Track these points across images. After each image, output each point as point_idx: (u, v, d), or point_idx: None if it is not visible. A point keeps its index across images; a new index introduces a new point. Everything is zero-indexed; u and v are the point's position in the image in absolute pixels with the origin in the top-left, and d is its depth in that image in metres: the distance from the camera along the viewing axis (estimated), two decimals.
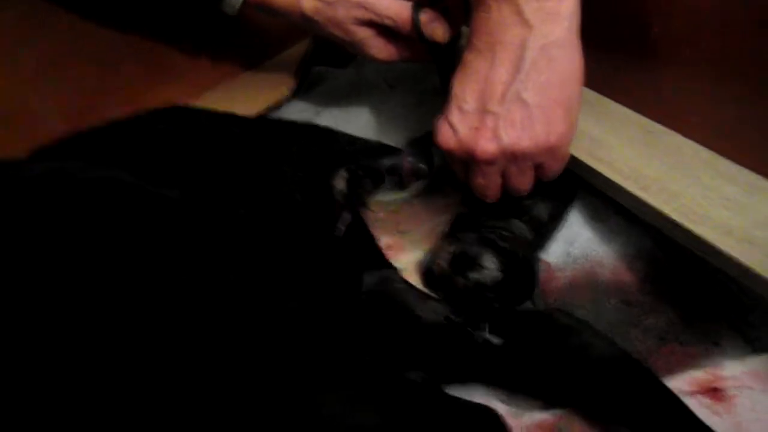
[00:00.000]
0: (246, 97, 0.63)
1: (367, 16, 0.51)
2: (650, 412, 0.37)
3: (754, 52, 0.38)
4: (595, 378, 0.39)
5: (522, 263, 0.46)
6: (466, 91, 0.42)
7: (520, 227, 0.49)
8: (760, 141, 0.41)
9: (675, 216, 0.40)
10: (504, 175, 0.44)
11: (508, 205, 0.48)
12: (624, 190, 0.43)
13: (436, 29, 0.50)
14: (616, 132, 0.47)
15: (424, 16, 0.49)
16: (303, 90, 0.68)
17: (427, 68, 0.68)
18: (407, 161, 0.54)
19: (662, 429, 0.36)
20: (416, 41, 0.51)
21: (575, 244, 0.50)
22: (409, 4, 0.50)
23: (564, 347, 0.41)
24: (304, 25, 0.54)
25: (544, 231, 0.50)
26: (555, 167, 0.44)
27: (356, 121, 0.64)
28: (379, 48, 0.53)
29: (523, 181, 0.44)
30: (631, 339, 0.44)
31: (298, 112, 0.66)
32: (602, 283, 0.48)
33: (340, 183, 0.56)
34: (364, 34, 0.52)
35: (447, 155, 0.45)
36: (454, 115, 0.42)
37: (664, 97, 0.46)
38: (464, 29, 0.60)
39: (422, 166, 0.54)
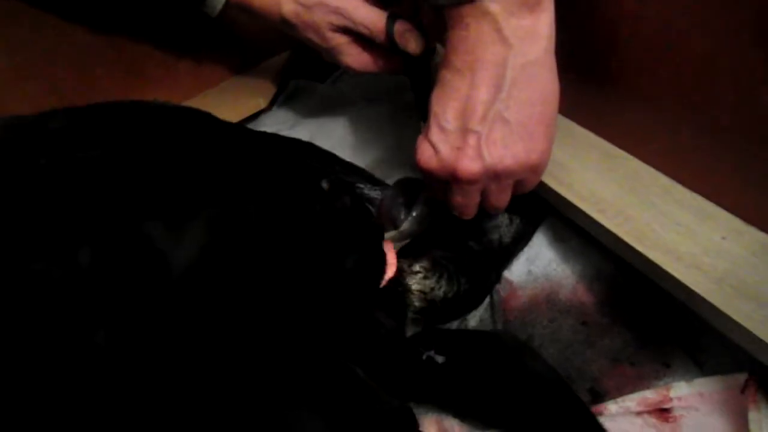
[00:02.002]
0: (223, 106, 0.63)
1: (342, 22, 0.52)
2: None
3: (708, 84, 0.39)
4: (527, 400, 0.40)
5: (476, 285, 0.48)
6: (446, 110, 0.41)
7: (485, 243, 0.50)
8: (712, 168, 0.42)
9: (628, 239, 0.42)
10: (483, 193, 0.44)
11: (477, 224, 0.49)
12: (582, 212, 0.44)
13: (410, 41, 0.50)
14: (578, 155, 0.48)
15: (399, 27, 0.50)
16: (280, 102, 0.69)
17: (403, 84, 0.70)
18: (384, 204, 0.53)
19: None
20: (390, 52, 0.52)
21: (537, 263, 0.51)
22: (385, 14, 0.51)
23: (503, 368, 0.42)
24: (283, 28, 0.54)
25: (509, 251, 0.51)
26: (533, 183, 0.44)
27: (332, 135, 0.65)
28: (354, 56, 0.54)
29: (502, 199, 0.45)
30: (586, 359, 0.45)
31: (274, 123, 0.67)
32: (561, 303, 0.49)
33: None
34: (340, 40, 0.53)
35: (426, 174, 0.44)
36: (435, 135, 0.42)
37: (625, 123, 0.47)
38: (439, 48, 0.61)
39: (401, 216, 0.52)
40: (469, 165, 0.41)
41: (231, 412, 0.32)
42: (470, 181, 0.42)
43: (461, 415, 0.44)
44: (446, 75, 0.41)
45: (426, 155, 0.43)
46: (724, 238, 0.40)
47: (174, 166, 0.37)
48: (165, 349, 0.32)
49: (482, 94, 0.40)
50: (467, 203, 0.45)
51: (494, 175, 0.42)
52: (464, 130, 0.41)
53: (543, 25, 0.39)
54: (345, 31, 0.53)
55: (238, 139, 0.49)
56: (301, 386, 0.36)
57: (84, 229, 0.32)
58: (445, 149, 0.42)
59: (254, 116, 0.66)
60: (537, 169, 0.42)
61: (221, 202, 0.36)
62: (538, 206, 0.51)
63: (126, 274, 0.31)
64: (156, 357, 0.31)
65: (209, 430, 0.32)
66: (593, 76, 0.47)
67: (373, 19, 0.51)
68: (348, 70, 0.56)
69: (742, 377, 0.40)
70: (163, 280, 0.32)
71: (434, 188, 0.47)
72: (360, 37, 0.53)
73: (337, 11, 0.51)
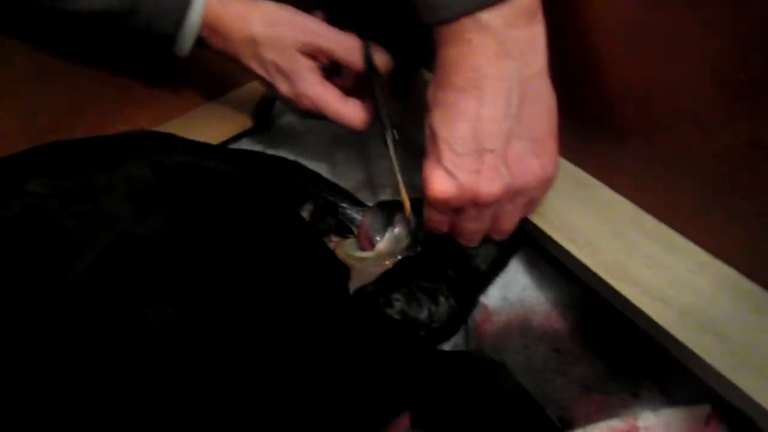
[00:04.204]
0: (209, 125, 0.64)
1: (315, 43, 0.51)
2: None
3: (674, 122, 0.40)
4: (499, 419, 0.41)
5: (456, 309, 0.48)
6: (456, 133, 0.39)
7: (463, 271, 0.51)
8: (681, 200, 0.42)
9: (597, 269, 0.42)
10: (493, 218, 0.44)
11: (455, 253, 0.49)
12: (553, 240, 0.45)
13: (384, 60, 0.51)
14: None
15: (374, 47, 0.51)
16: (265, 122, 0.70)
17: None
18: (364, 225, 0.54)
19: None
20: (360, 78, 0.53)
21: (512, 289, 0.51)
22: (355, 37, 0.52)
23: (476, 386, 0.42)
24: (242, 55, 0.53)
25: (486, 278, 0.52)
26: (540, 200, 0.44)
27: (316, 156, 0.66)
28: (312, 85, 0.52)
29: (513, 221, 0.44)
30: (557, 386, 0.46)
31: (259, 143, 0.67)
32: (534, 329, 0.49)
33: (304, 214, 0.57)
34: (304, 63, 0.52)
35: (441, 204, 0.42)
36: (449, 161, 0.40)
37: (597, 152, 0.47)
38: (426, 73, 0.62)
39: (377, 238, 0.53)
40: (490, 187, 0.39)
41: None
42: (490, 204, 0.41)
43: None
44: (448, 97, 0.39)
45: (443, 184, 0.41)
46: (689, 270, 0.41)
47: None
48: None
49: (492, 111, 0.38)
50: (479, 229, 0.44)
51: (513, 194, 0.41)
52: (479, 152, 0.39)
53: (540, 36, 0.38)
54: (313, 54, 0.52)
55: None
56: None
57: None
58: (463, 174, 0.40)
59: (239, 136, 0.67)
60: (550, 183, 0.42)
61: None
62: (514, 234, 0.51)
63: None
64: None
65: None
66: (568, 105, 0.48)
67: (350, 42, 0.52)
68: (288, 105, 0.55)
69: (705, 409, 0.40)
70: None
71: (438, 220, 0.45)
72: (325, 67, 0.53)
73: (311, 31, 0.52)
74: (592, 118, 0.46)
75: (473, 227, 0.44)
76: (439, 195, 0.41)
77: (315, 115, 0.55)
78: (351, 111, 0.53)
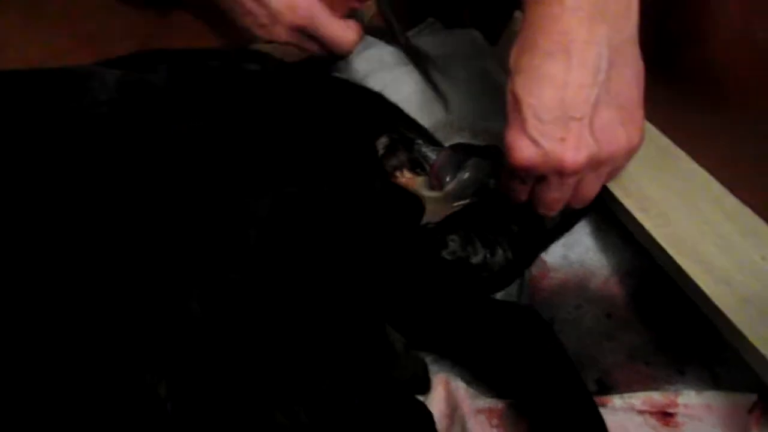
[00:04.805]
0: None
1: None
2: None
3: None
4: (535, 378, 0.41)
5: (512, 265, 0.49)
6: (543, 99, 0.38)
7: (527, 227, 0.51)
8: None
9: (663, 242, 0.41)
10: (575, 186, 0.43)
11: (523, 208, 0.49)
12: (623, 207, 0.44)
13: None
14: None
15: None
16: (357, 50, 0.70)
17: (482, 50, 0.69)
18: (436, 164, 0.54)
19: None
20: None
21: (574, 250, 0.51)
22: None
23: (518, 339, 0.43)
24: None
25: (549, 237, 0.51)
26: (621, 170, 0.43)
27: (401, 91, 0.66)
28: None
29: (595, 189, 0.43)
30: (603, 350, 0.46)
31: (348, 71, 0.68)
32: (591, 292, 0.49)
33: (379, 146, 0.58)
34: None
35: (521, 173, 0.42)
36: (533, 127, 0.39)
37: (688, 121, 0.45)
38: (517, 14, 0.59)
39: (447, 179, 0.53)
40: (576, 155, 0.38)
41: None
42: (575, 173, 0.40)
43: (477, 380, 0.47)
44: (534, 61, 0.38)
45: (527, 152, 0.39)
46: (763, 258, 0.39)
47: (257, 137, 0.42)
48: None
49: (581, 77, 0.37)
50: (560, 198, 0.43)
51: (597, 163, 0.40)
52: (565, 119, 0.38)
53: (635, 0, 0.37)
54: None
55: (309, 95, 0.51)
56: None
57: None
58: (548, 142, 0.39)
59: (330, 60, 0.68)
60: (635, 152, 0.41)
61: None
62: None
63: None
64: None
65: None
66: (662, 67, 0.45)
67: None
68: (271, 28, 0.53)
69: (752, 398, 0.39)
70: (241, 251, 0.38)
71: (516, 189, 0.45)
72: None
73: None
74: (687, 83, 0.43)
75: (554, 196, 0.43)
76: (523, 163, 0.40)
77: (295, 43, 0.54)
78: (343, 28, 0.53)
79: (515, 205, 0.49)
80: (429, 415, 0.42)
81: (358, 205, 0.43)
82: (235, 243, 0.39)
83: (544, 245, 0.51)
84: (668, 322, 0.46)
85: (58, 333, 0.34)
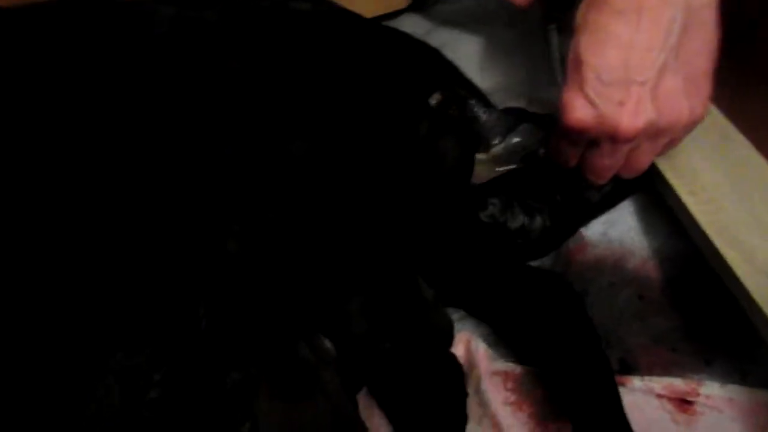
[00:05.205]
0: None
1: None
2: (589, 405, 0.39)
3: None
4: (558, 347, 0.41)
5: (551, 234, 0.48)
6: (606, 59, 0.36)
7: (571, 198, 0.50)
8: None
9: (707, 228, 0.40)
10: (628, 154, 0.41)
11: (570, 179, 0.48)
12: (672, 188, 0.43)
13: None
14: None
15: None
16: (421, 4, 0.69)
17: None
18: (485, 126, 0.52)
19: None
20: None
21: (616, 227, 0.50)
22: None
23: (547, 309, 0.43)
24: None
25: (592, 211, 0.50)
26: (679, 142, 0.41)
27: (460, 50, 0.65)
28: None
29: (648, 160, 0.41)
30: (630, 331, 0.45)
31: (410, 26, 0.67)
32: (627, 271, 0.48)
33: (432, 102, 0.58)
34: None
35: (573, 134, 0.40)
36: (592, 87, 0.37)
37: (755, 106, 0.43)
38: None
39: (495, 141, 0.51)
40: (633, 121, 0.37)
41: None
42: (629, 140, 0.38)
43: (498, 342, 0.47)
44: (601, 18, 0.36)
45: (581, 112, 0.38)
46: None
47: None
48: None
49: (650, 40, 0.35)
50: (612, 165, 0.41)
51: (654, 133, 0.38)
52: (627, 82, 0.36)
53: None
54: None
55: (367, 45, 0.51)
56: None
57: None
58: (605, 104, 0.37)
59: (393, 14, 0.67)
60: (694, 126, 0.39)
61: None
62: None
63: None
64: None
65: None
66: (736, 44, 0.43)
67: None
68: None
69: None
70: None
71: (567, 152, 0.43)
72: None
73: None
74: (761, 67, 0.41)
75: (605, 163, 0.41)
76: (576, 124, 0.38)
77: None
78: None
79: (561, 175, 0.48)
80: (458, 366, 0.43)
81: (400, 150, 0.43)
82: (272, 183, 0.40)
83: (586, 219, 0.50)
84: (701, 311, 0.44)
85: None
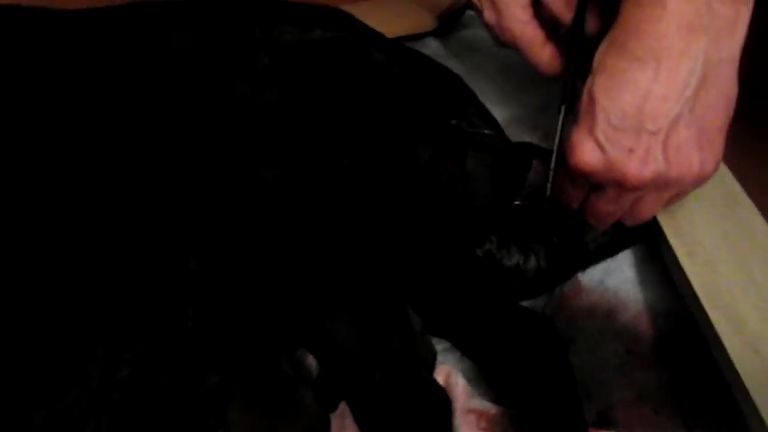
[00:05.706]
0: (389, 17, 0.65)
1: None
2: None
3: None
4: (534, 391, 0.41)
5: (545, 277, 0.47)
6: (620, 104, 0.36)
7: (569, 243, 0.49)
8: None
9: (699, 291, 0.39)
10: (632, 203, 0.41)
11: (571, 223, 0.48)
12: (669, 246, 0.42)
13: (595, 25, 0.44)
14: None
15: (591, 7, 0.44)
16: (447, 29, 0.69)
17: None
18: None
19: None
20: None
21: (613, 277, 0.49)
22: None
23: (528, 351, 0.42)
24: None
25: (590, 258, 0.50)
26: (685, 196, 0.41)
27: (479, 78, 0.65)
28: (518, 20, 0.48)
29: (652, 211, 0.41)
30: (613, 385, 0.44)
31: (433, 49, 0.67)
32: (618, 324, 0.47)
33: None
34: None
35: (578, 177, 0.40)
36: (603, 131, 0.37)
37: (765, 171, 0.42)
38: None
39: None
40: (640, 170, 0.36)
41: None
42: (636, 188, 0.38)
43: (479, 379, 0.46)
44: (620, 63, 0.36)
45: (590, 156, 0.37)
46: None
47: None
48: None
49: (667, 90, 0.35)
50: (614, 212, 0.41)
51: (662, 184, 0.38)
52: (639, 130, 0.36)
53: (744, 17, 0.34)
54: None
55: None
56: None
57: None
58: (614, 150, 0.37)
59: (416, 36, 0.67)
60: (703, 182, 0.39)
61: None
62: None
63: None
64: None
65: None
66: (755, 105, 0.42)
67: None
68: (490, 31, 0.51)
69: None
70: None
71: (570, 195, 0.43)
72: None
73: None
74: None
75: (608, 209, 0.41)
76: (583, 167, 0.38)
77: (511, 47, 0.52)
78: (547, 57, 0.49)
79: (561, 217, 0.48)
80: (447, 400, 0.43)
81: (393, 174, 0.43)
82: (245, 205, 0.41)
83: (583, 265, 0.50)
84: (689, 374, 0.43)
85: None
